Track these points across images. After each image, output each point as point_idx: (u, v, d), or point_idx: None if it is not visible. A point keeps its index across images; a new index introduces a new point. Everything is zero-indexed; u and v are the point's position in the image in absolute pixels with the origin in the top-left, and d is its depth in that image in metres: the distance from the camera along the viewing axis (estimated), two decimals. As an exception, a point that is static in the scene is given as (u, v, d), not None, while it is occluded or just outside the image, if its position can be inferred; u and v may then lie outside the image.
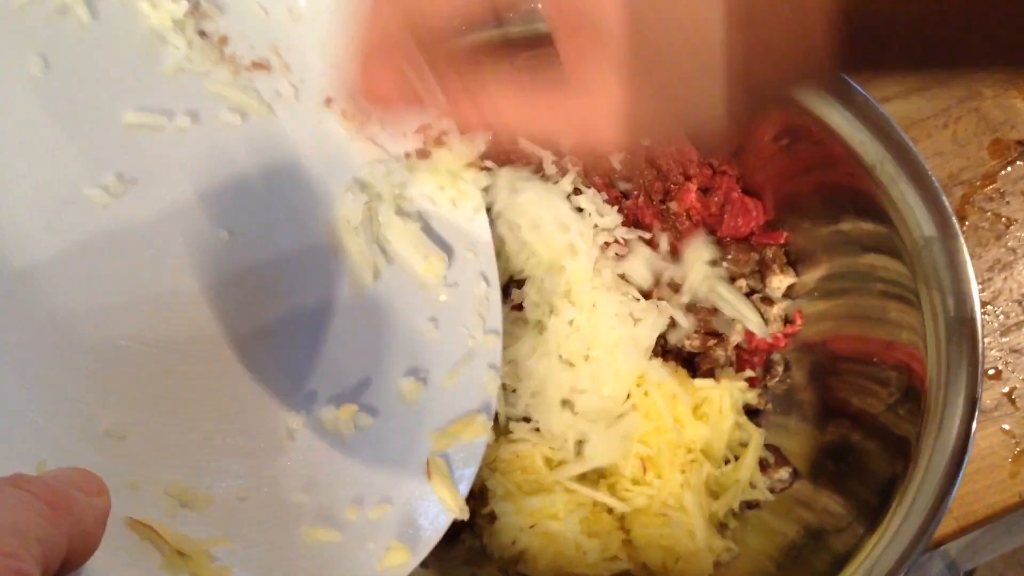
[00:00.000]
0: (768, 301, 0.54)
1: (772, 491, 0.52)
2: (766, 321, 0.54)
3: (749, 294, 0.54)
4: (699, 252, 0.52)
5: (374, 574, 0.39)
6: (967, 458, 0.43)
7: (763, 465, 0.52)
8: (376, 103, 0.28)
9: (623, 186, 0.54)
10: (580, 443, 0.51)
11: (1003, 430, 0.55)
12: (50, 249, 0.37)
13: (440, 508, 0.41)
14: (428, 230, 0.44)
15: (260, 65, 0.42)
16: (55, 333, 0.37)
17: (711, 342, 0.53)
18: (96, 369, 0.37)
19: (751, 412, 0.54)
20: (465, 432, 0.42)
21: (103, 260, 0.38)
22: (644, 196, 0.53)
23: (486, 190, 0.47)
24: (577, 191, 0.51)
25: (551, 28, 0.25)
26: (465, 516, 0.41)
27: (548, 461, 0.50)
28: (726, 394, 0.51)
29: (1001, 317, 0.56)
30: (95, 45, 0.39)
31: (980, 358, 0.44)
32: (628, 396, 0.50)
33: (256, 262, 0.42)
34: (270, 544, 0.38)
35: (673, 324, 0.52)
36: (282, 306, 0.42)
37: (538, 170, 0.52)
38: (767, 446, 0.53)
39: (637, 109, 0.25)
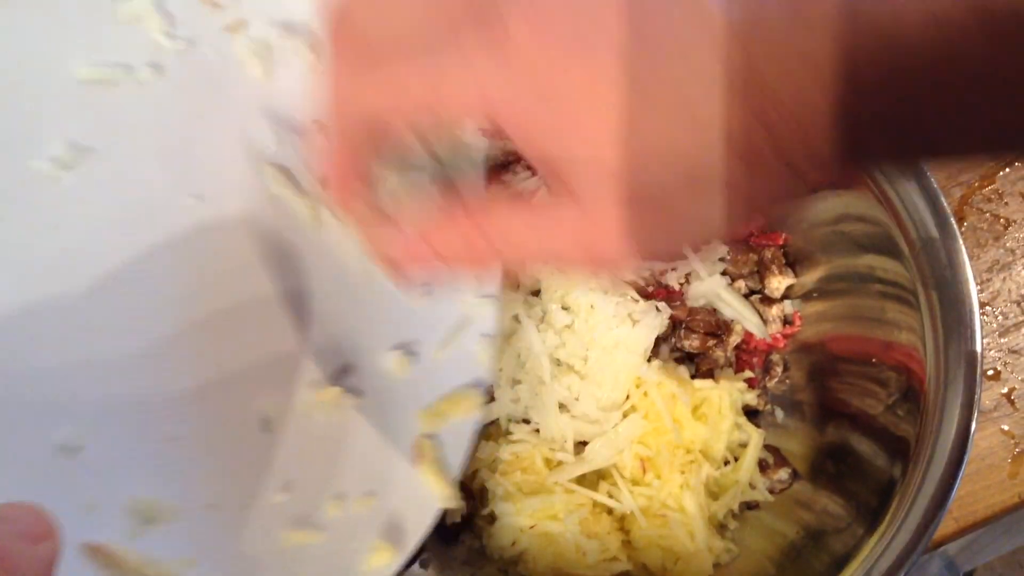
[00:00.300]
0: (767, 302, 0.54)
1: (771, 492, 0.52)
2: (765, 322, 0.54)
3: (748, 295, 0.55)
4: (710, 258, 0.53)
5: None
6: (966, 459, 0.43)
7: (762, 466, 0.52)
8: (349, 214, 0.29)
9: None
10: (580, 444, 0.51)
11: (1002, 431, 0.55)
12: None
13: (429, 497, 0.38)
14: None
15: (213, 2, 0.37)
16: None
17: (710, 342, 0.53)
18: (46, 374, 0.34)
19: (750, 413, 0.54)
20: (456, 409, 0.39)
21: (51, 242, 0.35)
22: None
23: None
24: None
25: (539, 170, 0.26)
26: (455, 504, 0.38)
27: (548, 462, 0.50)
28: (725, 395, 0.51)
29: (1000, 318, 0.56)
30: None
31: (979, 359, 0.44)
32: (627, 397, 0.50)
33: (227, 229, 0.38)
34: (244, 555, 0.35)
35: (673, 325, 0.53)
36: (254, 281, 0.38)
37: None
38: (766, 447, 0.53)
39: (639, 230, 0.24)
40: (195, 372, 0.37)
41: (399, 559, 0.37)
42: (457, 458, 0.39)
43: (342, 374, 0.39)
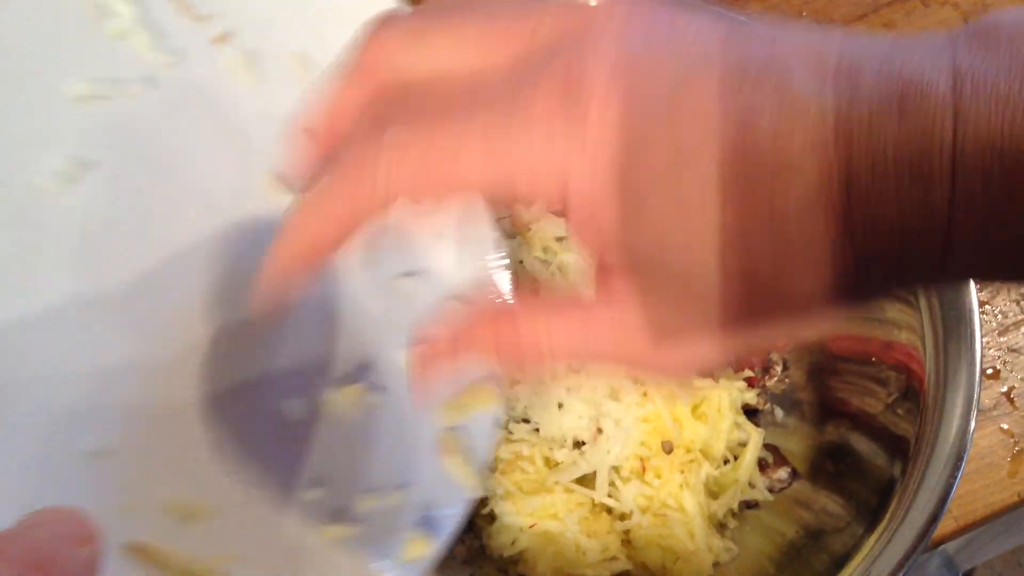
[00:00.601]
0: (767, 301, 0.54)
1: (771, 491, 0.52)
2: (765, 321, 0.53)
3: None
4: None
5: (393, 568, 0.37)
6: (966, 457, 0.43)
7: (762, 465, 0.52)
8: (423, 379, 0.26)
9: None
10: (579, 444, 0.51)
11: (1002, 429, 0.55)
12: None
13: (458, 488, 0.39)
14: None
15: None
16: (21, 354, 0.33)
17: (710, 342, 0.53)
18: (71, 382, 0.34)
19: (750, 412, 0.54)
20: (476, 401, 0.39)
21: (63, 257, 0.35)
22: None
23: None
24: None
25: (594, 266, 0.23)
26: (482, 493, 0.39)
27: (547, 462, 0.50)
28: (725, 394, 0.51)
29: (999, 316, 0.56)
30: (24, 16, 0.34)
31: (978, 358, 0.44)
32: (626, 397, 0.50)
33: (237, 238, 0.38)
34: (287, 549, 0.36)
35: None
36: None
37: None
38: (766, 446, 0.53)
39: (716, 350, 0.22)
40: (220, 376, 0.37)
41: (434, 549, 0.37)
42: (482, 448, 0.39)
43: (362, 371, 0.40)
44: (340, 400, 0.39)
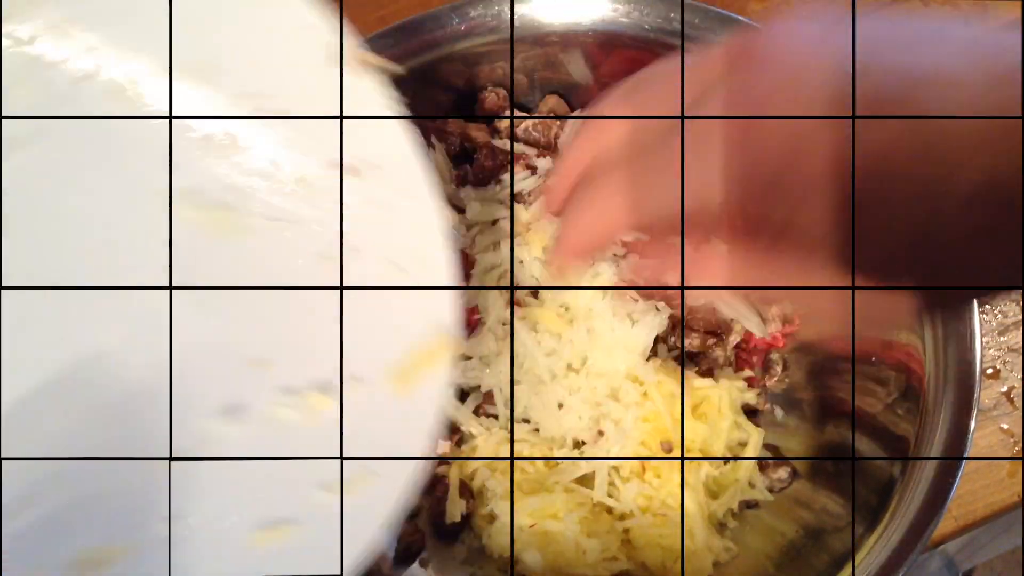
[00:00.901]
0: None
1: (771, 491, 0.52)
2: (764, 321, 0.54)
3: (747, 294, 0.55)
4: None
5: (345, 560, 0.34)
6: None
7: (762, 465, 0.52)
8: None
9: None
10: (579, 444, 0.51)
11: (1001, 429, 0.55)
12: None
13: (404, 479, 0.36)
14: None
15: None
16: None
17: (710, 342, 0.53)
18: None
19: (750, 412, 0.54)
20: (426, 364, 0.36)
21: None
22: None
23: None
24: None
25: None
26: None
27: (547, 461, 0.50)
28: (725, 394, 0.51)
29: (999, 316, 0.56)
30: None
31: (978, 358, 0.44)
32: (626, 397, 0.50)
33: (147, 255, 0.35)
34: (211, 571, 0.35)
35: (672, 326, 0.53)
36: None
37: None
38: (766, 446, 0.53)
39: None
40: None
41: (380, 540, 0.35)
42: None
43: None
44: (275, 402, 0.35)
